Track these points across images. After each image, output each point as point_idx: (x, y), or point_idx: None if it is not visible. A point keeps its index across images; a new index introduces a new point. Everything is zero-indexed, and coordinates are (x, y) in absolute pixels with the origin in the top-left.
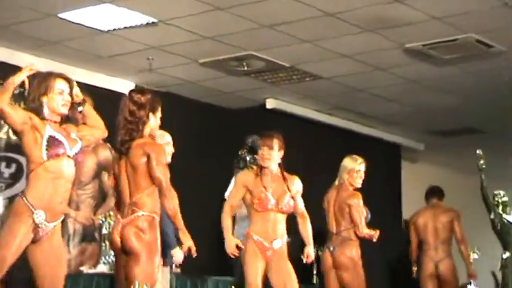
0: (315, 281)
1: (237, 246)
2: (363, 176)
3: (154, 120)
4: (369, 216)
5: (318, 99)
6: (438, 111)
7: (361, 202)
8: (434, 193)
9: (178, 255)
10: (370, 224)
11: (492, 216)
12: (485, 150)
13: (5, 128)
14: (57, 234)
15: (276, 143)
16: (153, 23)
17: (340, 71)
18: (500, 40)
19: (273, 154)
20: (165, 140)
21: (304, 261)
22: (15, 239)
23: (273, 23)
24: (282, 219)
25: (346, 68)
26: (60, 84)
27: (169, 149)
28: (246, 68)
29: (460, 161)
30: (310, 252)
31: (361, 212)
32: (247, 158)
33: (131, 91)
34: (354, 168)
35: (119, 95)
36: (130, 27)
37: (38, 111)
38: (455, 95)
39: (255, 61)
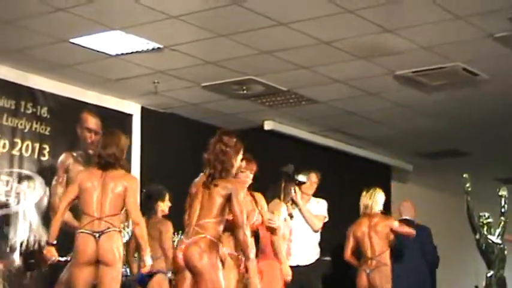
0: None
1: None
2: None
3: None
4: None
5: (313, 121)
6: (426, 135)
7: None
8: None
9: None
10: None
11: (477, 237)
12: (470, 171)
13: (19, 145)
14: None
15: (255, 167)
16: (158, 48)
17: (334, 96)
18: (485, 69)
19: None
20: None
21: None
22: None
23: (271, 50)
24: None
25: (340, 93)
26: None
27: None
28: (245, 92)
29: (447, 182)
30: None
31: None
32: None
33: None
34: None
35: (126, 116)
36: (137, 52)
37: None
38: (443, 119)
39: (254, 85)
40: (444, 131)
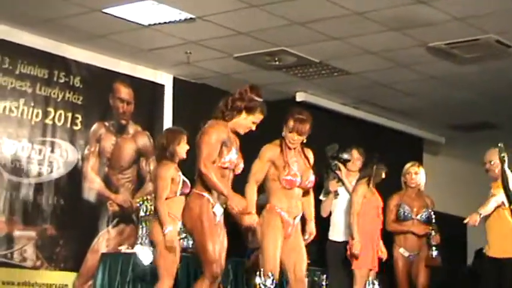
0: None
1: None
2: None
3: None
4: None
5: (345, 93)
6: (458, 107)
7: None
8: None
9: None
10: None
11: (511, 207)
12: (504, 143)
13: (52, 114)
14: None
15: (308, 130)
16: (191, 18)
17: (367, 67)
18: None
19: (301, 139)
20: None
21: (306, 237)
22: None
23: (304, 21)
24: (300, 195)
25: (372, 64)
26: None
27: None
28: (277, 63)
29: (479, 154)
30: (312, 229)
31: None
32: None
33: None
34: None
35: (158, 86)
36: (170, 22)
37: None
38: (475, 91)
39: (286, 56)
40: (477, 104)
